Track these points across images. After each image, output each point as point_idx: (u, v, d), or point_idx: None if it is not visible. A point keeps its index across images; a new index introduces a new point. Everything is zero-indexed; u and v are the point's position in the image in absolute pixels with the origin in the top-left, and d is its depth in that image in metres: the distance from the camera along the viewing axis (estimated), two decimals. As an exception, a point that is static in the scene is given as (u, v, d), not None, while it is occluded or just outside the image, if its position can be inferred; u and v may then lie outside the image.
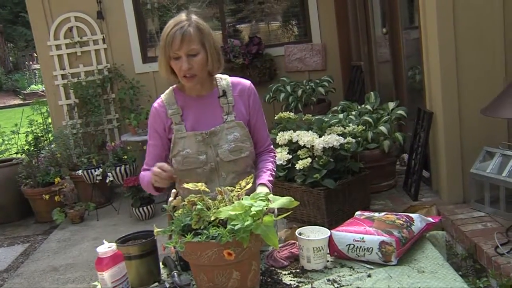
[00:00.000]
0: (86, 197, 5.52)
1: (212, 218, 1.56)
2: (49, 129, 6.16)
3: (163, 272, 1.90)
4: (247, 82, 2.15)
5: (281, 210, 1.78)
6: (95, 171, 5.33)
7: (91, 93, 5.80)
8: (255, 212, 1.53)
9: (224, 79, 2.13)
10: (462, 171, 3.53)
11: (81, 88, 5.86)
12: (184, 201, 1.67)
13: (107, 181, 5.31)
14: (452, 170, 3.54)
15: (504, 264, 2.64)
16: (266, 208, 1.56)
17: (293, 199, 1.62)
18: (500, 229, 3.01)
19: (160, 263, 1.91)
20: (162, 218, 5.08)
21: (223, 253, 1.49)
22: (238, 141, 2.05)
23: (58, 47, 6.07)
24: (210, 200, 1.65)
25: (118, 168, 5.23)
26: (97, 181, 5.37)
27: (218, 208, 1.59)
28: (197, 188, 1.68)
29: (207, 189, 1.69)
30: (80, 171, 5.36)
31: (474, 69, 3.45)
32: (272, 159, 2.19)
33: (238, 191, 1.68)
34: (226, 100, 2.08)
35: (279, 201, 1.63)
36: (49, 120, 6.33)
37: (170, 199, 2.23)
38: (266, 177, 2.07)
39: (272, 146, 2.25)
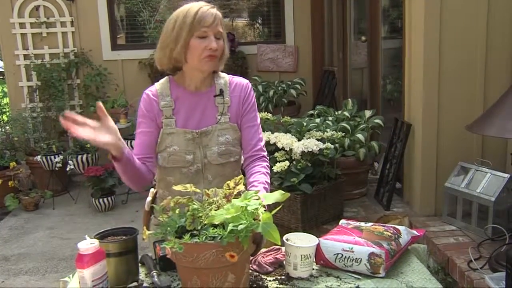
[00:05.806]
0: (42, 184, 5.29)
1: (205, 222, 1.47)
2: (4, 109, 5.87)
3: (141, 271, 1.80)
4: (244, 81, 2.05)
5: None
6: (55, 158, 5.11)
7: (55, 77, 5.55)
8: (252, 210, 1.45)
9: (222, 78, 2.02)
10: (435, 184, 3.55)
11: (45, 70, 5.60)
12: (171, 202, 1.57)
13: (68, 169, 5.11)
14: (426, 182, 3.55)
15: (477, 279, 2.66)
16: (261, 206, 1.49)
17: (283, 192, 1.56)
18: (472, 244, 3.03)
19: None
20: (121, 210, 4.93)
21: (226, 255, 1.41)
22: (229, 145, 1.95)
23: (22, 25, 5.78)
24: (198, 202, 1.56)
25: (79, 157, 5.03)
26: (57, 169, 5.15)
27: (209, 211, 1.51)
28: (186, 190, 1.58)
29: (197, 190, 1.60)
30: (39, 157, 5.12)
31: (456, 84, 3.47)
32: (264, 170, 2.00)
33: (228, 190, 1.60)
34: (222, 100, 1.97)
35: (272, 197, 1.55)
36: (5, 100, 6.03)
37: (148, 199, 2.12)
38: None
39: (265, 153, 2.06)
